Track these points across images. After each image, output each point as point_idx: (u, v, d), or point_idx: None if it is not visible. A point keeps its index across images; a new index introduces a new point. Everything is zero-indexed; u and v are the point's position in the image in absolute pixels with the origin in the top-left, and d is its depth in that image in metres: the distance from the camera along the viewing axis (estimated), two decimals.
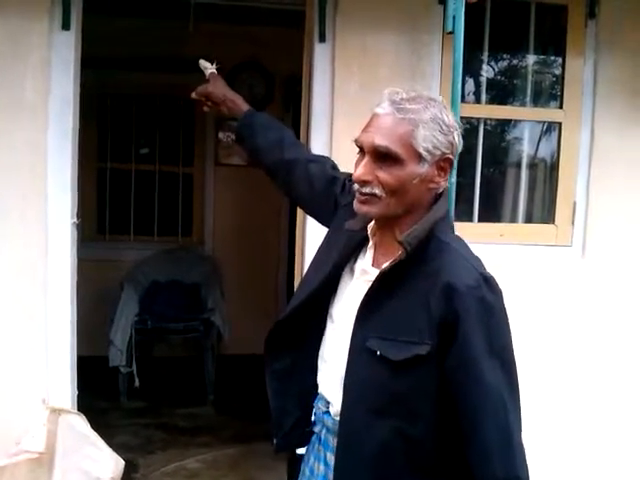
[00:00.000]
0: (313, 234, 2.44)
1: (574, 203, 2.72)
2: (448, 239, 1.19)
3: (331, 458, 1.26)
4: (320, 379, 1.33)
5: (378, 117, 1.17)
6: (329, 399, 1.29)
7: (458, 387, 1.13)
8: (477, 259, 1.20)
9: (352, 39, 2.47)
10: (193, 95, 1.71)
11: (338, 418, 1.23)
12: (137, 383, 3.91)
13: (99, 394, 3.86)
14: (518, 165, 2.89)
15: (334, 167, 1.55)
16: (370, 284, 1.19)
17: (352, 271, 1.29)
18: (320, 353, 1.33)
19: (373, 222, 1.25)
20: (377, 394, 1.17)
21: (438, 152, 1.15)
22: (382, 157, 1.15)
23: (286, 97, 4.78)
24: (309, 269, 1.41)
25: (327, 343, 1.31)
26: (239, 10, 4.07)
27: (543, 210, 2.87)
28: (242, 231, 4.82)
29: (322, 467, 1.31)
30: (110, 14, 4.00)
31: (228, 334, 4.28)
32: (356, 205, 1.20)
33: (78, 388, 2.52)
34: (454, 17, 1.57)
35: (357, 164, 1.20)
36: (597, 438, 2.73)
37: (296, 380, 1.38)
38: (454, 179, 1.66)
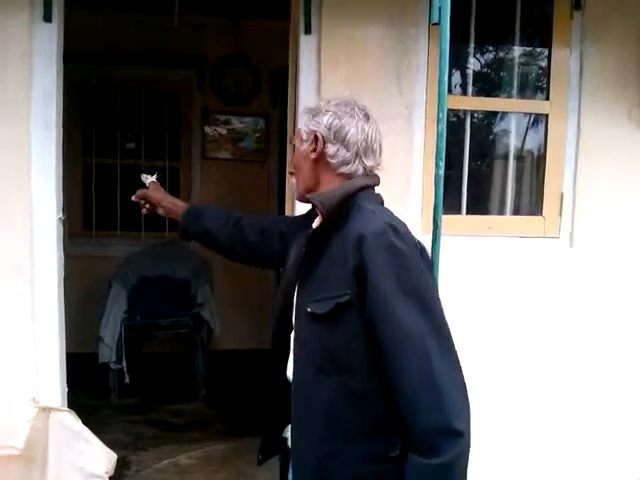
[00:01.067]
0: None
1: (561, 195, 2.73)
2: (368, 205, 1.32)
3: None
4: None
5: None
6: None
7: (378, 333, 1.19)
8: (392, 217, 1.31)
9: (338, 31, 2.46)
10: (133, 198, 1.88)
11: None
12: (127, 380, 3.89)
13: (89, 391, 3.83)
14: (505, 157, 2.90)
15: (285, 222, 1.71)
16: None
17: None
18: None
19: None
20: (318, 352, 1.27)
21: (308, 130, 1.39)
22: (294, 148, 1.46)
23: (273, 91, 4.76)
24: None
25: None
26: (225, 3, 4.06)
27: (531, 202, 2.88)
28: None
29: None
30: (95, 7, 3.96)
31: (218, 329, 4.27)
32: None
33: (68, 385, 2.50)
34: (440, 8, 1.56)
35: None
36: (586, 428, 2.76)
37: None
38: (442, 171, 1.65)
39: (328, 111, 1.37)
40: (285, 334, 1.40)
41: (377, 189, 1.43)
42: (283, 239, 1.61)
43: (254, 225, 1.67)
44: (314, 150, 1.38)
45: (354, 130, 1.35)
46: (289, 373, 1.39)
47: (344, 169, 1.36)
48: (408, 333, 1.16)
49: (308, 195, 1.37)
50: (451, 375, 1.17)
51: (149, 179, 1.90)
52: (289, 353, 1.40)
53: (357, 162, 1.36)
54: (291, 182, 1.48)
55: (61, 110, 2.33)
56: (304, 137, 1.41)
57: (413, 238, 1.28)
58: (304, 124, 1.42)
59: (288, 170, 1.50)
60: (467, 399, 1.19)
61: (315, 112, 1.40)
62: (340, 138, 1.35)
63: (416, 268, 1.22)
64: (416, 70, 2.53)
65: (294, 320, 1.35)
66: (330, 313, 1.23)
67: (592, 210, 2.72)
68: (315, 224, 1.39)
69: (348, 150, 1.35)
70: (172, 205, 1.80)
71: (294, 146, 1.46)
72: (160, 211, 1.81)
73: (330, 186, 1.36)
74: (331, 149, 1.35)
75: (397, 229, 1.24)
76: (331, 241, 1.29)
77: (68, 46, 2.41)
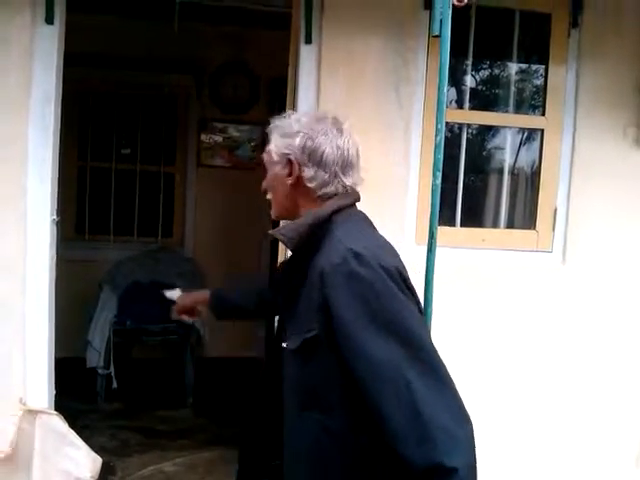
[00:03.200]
0: None
1: (555, 209, 2.75)
2: (338, 231, 1.24)
3: None
4: None
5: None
6: None
7: (351, 369, 1.14)
8: (360, 239, 1.22)
9: (338, 42, 2.48)
10: (174, 317, 1.95)
11: None
12: (115, 385, 3.86)
13: (76, 396, 3.79)
14: (500, 171, 2.92)
15: None
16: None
17: None
18: None
19: None
20: (297, 389, 1.25)
21: (280, 152, 1.31)
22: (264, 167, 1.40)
23: (271, 100, 4.77)
24: None
25: None
26: (225, 11, 4.07)
27: (524, 216, 2.90)
28: (223, 232, 4.80)
29: None
30: (95, 12, 3.96)
31: (207, 336, 4.25)
32: None
33: (55, 389, 2.48)
34: (441, 21, 1.58)
35: None
36: (578, 439, 2.76)
37: None
38: (439, 181, 1.66)
39: (299, 132, 1.28)
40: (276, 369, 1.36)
41: (364, 203, 1.37)
42: None
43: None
44: (289, 175, 1.30)
45: (329, 149, 1.27)
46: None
47: (324, 190, 1.28)
48: (381, 365, 1.08)
49: (270, 232, 1.30)
50: (439, 401, 1.07)
51: (175, 294, 1.93)
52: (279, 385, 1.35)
53: (336, 182, 1.28)
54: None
55: (59, 112, 2.33)
56: (275, 158, 1.32)
57: (383, 260, 1.16)
58: (273, 143, 1.33)
59: (263, 187, 1.39)
60: (463, 420, 1.09)
61: (284, 132, 1.31)
62: (316, 160, 1.27)
63: (383, 293, 1.13)
64: (414, 82, 2.55)
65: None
66: (300, 348, 1.20)
67: (585, 225, 2.74)
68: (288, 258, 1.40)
69: (325, 171, 1.27)
70: (203, 298, 1.83)
71: (263, 163, 1.39)
72: (202, 310, 1.87)
73: (310, 208, 1.29)
74: (307, 172, 1.27)
75: (360, 254, 1.15)
76: (303, 275, 1.24)
77: (66, 49, 2.41)
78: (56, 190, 2.37)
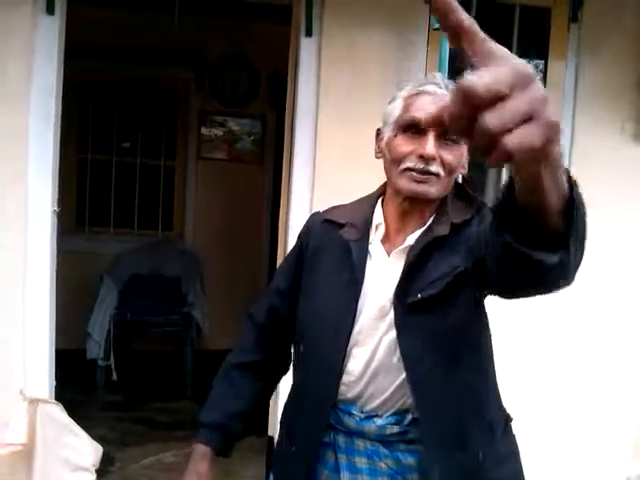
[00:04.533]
0: (295, 229, 2.44)
1: None
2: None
3: (362, 461, 1.20)
4: (359, 392, 1.22)
5: (436, 96, 1.13)
6: (373, 404, 1.21)
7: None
8: None
9: (339, 35, 2.48)
10: None
11: (383, 417, 1.19)
12: (115, 376, 3.88)
13: (76, 387, 3.81)
14: (499, 167, 2.92)
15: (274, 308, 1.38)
16: (403, 261, 1.18)
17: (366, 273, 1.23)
18: (350, 370, 1.21)
19: (379, 216, 1.24)
20: (441, 343, 1.15)
21: None
22: (444, 135, 1.13)
23: (271, 93, 4.78)
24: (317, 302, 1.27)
25: (355, 337, 1.20)
26: (225, 4, 4.07)
27: None
28: (223, 225, 4.81)
29: (347, 474, 1.21)
30: (95, 3, 3.96)
31: (207, 329, 4.27)
32: (411, 185, 1.15)
33: (55, 381, 2.49)
34: None
35: (402, 144, 1.16)
36: (574, 435, 2.78)
37: None
38: None
39: None
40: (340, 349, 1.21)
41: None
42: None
43: (268, 344, 1.39)
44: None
45: None
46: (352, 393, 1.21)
47: None
48: None
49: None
50: None
51: None
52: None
53: None
54: (431, 184, 1.15)
55: (60, 104, 2.34)
56: None
57: None
58: None
59: (432, 153, 1.13)
60: None
61: None
62: None
63: None
64: (415, 75, 2.56)
65: (394, 325, 1.17)
66: (448, 287, 1.13)
67: None
68: (437, 231, 1.17)
69: None
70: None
71: (450, 140, 1.14)
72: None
73: None
74: None
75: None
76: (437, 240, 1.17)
77: (67, 41, 2.42)
78: (57, 181, 2.38)
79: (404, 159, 1.15)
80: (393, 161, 1.17)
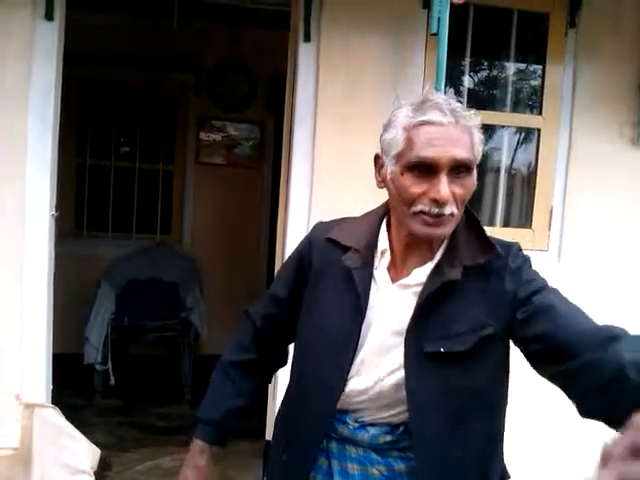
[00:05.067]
0: (294, 234, 2.45)
1: (551, 208, 2.77)
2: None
3: (354, 468, 1.20)
4: (358, 404, 1.21)
5: (442, 127, 1.06)
6: (380, 420, 1.20)
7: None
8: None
9: (337, 40, 2.49)
10: None
11: (381, 431, 1.18)
12: (112, 381, 3.88)
13: (74, 392, 3.81)
14: (497, 171, 2.94)
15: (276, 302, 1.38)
16: (407, 299, 1.15)
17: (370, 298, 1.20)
18: (351, 385, 1.19)
19: (384, 242, 1.20)
20: (453, 399, 1.12)
21: (479, 153, 1.12)
22: (457, 170, 1.07)
23: (269, 98, 4.79)
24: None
25: (357, 367, 1.18)
26: (224, 9, 4.08)
27: (521, 215, 2.92)
28: (222, 230, 4.81)
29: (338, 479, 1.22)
30: (94, 10, 3.98)
31: (206, 334, 4.26)
32: (426, 230, 1.09)
33: (53, 385, 2.49)
34: (439, 19, 1.59)
35: (411, 184, 1.09)
36: (571, 437, 2.77)
37: None
38: None
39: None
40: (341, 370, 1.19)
41: (377, 203, 1.28)
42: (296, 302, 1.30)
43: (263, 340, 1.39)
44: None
45: None
46: (352, 403, 1.20)
47: None
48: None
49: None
50: None
51: None
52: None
53: None
54: (446, 225, 1.10)
55: (59, 107, 2.35)
56: (476, 161, 1.11)
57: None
58: (478, 142, 1.09)
59: (447, 196, 1.07)
60: None
61: (478, 128, 1.11)
62: None
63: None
64: (413, 80, 2.57)
65: (403, 367, 1.14)
66: (473, 348, 1.10)
67: (581, 224, 2.76)
68: (420, 274, 1.14)
69: None
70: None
71: (460, 165, 1.07)
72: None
73: None
74: None
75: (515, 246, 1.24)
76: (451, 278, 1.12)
77: (66, 46, 2.43)
78: (55, 185, 2.38)
79: (415, 202, 1.08)
80: (403, 202, 1.10)
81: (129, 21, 4.29)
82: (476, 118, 1.09)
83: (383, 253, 1.19)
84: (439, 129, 1.05)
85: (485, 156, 3.09)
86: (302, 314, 1.28)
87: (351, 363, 1.18)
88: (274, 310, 1.36)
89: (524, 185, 2.97)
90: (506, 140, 2.90)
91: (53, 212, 2.34)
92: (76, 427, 2.43)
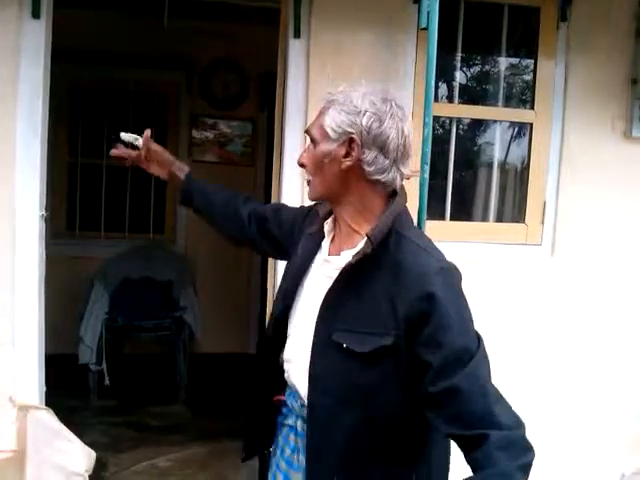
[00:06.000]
0: None
1: (544, 203, 2.76)
2: (408, 233, 1.23)
3: None
4: (289, 376, 1.34)
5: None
6: (300, 393, 1.29)
7: (438, 369, 1.11)
8: (436, 250, 1.24)
9: (327, 36, 2.48)
10: (113, 153, 1.70)
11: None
12: (107, 381, 3.86)
13: (69, 392, 3.79)
14: (490, 166, 2.93)
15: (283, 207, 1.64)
16: (331, 278, 1.23)
17: (312, 266, 1.34)
18: (285, 355, 1.34)
19: (331, 218, 1.32)
20: (343, 386, 1.19)
21: (340, 130, 1.19)
22: (311, 141, 1.25)
23: (261, 95, 4.77)
24: (279, 290, 1.42)
25: (290, 342, 1.33)
26: (214, 6, 4.06)
27: (514, 209, 2.92)
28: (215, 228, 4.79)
29: (302, 457, 1.30)
30: (85, 7, 3.95)
31: (200, 332, 4.25)
32: None
33: (47, 386, 2.47)
34: (428, 13, 1.58)
35: None
36: (567, 430, 2.78)
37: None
38: (427, 175, 1.67)
39: (367, 111, 1.17)
40: (280, 338, 1.35)
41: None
42: (282, 228, 1.50)
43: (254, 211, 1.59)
44: (347, 155, 1.19)
45: (394, 134, 1.18)
46: (288, 377, 1.34)
47: (380, 176, 1.20)
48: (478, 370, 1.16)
49: (368, 233, 1.17)
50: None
51: (139, 140, 1.67)
52: (280, 351, 1.35)
53: (394, 170, 1.20)
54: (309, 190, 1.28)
55: (47, 107, 2.32)
56: (332, 135, 1.19)
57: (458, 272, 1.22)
58: (331, 118, 1.19)
59: (300, 161, 1.28)
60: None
61: (348, 108, 1.18)
62: (379, 144, 1.17)
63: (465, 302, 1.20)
64: (403, 76, 2.55)
65: (310, 344, 1.23)
66: (370, 353, 1.15)
67: (574, 218, 2.76)
68: (347, 256, 1.21)
69: (386, 157, 1.18)
70: (174, 163, 1.68)
71: (310, 137, 1.25)
72: (157, 170, 1.68)
73: (361, 193, 1.22)
74: (369, 156, 1.18)
75: (453, 266, 1.19)
76: (370, 270, 1.18)
77: (56, 45, 2.40)
78: (45, 185, 2.36)
79: None
80: None
81: (120, 19, 4.26)
82: (344, 96, 1.21)
83: (327, 224, 1.32)
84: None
85: (478, 151, 3.09)
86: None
87: (285, 333, 1.33)
88: (268, 213, 1.55)
89: (517, 180, 2.97)
90: (499, 135, 2.89)
91: (43, 212, 2.32)
92: (72, 428, 2.42)
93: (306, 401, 1.25)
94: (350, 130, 1.18)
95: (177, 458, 3.27)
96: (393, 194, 1.24)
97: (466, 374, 1.11)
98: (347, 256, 1.21)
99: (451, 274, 1.18)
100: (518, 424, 1.12)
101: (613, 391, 2.83)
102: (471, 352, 1.13)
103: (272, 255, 1.77)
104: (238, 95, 4.84)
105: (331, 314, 1.21)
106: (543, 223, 2.77)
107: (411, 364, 1.15)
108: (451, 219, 2.76)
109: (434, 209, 2.73)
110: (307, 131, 1.27)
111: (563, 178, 2.74)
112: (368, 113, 1.17)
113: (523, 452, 1.09)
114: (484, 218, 2.88)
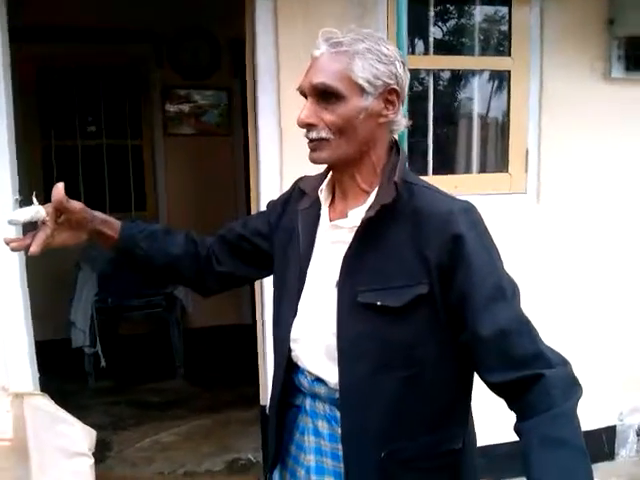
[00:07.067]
0: (267, 198, 2.40)
1: (526, 151, 2.74)
2: (416, 181, 1.17)
3: (323, 426, 1.20)
4: (297, 355, 1.22)
5: (315, 59, 1.11)
6: (316, 371, 1.19)
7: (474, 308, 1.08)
8: (448, 194, 1.17)
9: None
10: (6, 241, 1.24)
11: (334, 384, 1.16)
12: (103, 363, 3.85)
13: (66, 377, 3.80)
14: (470, 118, 2.89)
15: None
16: (344, 242, 1.14)
17: (316, 239, 1.23)
18: (292, 334, 1.21)
19: (326, 181, 1.22)
20: (380, 349, 1.11)
21: (380, 82, 1.08)
22: (324, 96, 1.09)
23: (234, 63, 4.66)
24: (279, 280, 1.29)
25: (299, 319, 1.21)
26: None
27: (497, 159, 2.90)
28: (197, 201, 4.75)
29: (312, 438, 1.22)
30: None
31: (192, 307, 4.24)
32: (309, 155, 1.14)
33: (44, 372, 2.45)
34: None
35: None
36: None
37: None
38: (404, 131, 1.64)
39: (396, 58, 1.09)
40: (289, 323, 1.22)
41: None
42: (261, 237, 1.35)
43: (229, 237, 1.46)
44: (391, 108, 1.11)
45: (406, 78, 1.13)
46: (299, 357, 1.22)
47: (396, 127, 1.15)
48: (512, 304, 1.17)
49: (397, 179, 1.09)
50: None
51: (40, 212, 1.16)
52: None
53: (401, 116, 1.14)
54: (306, 136, 1.14)
55: (10, 86, 2.23)
56: (368, 89, 1.08)
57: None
58: (363, 69, 1.07)
59: (306, 120, 1.11)
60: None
61: (379, 55, 1.08)
62: (405, 92, 1.14)
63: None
64: (375, 30, 2.49)
65: (335, 314, 1.14)
66: (408, 305, 1.08)
67: (558, 164, 2.75)
68: (365, 211, 1.12)
69: (402, 104, 1.13)
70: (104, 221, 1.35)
71: (330, 92, 1.09)
72: (70, 238, 1.26)
73: (383, 148, 1.14)
74: (400, 107, 1.13)
75: (472, 206, 1.14)
76: (386, 222, 1.11)
77: (19, 24, 2.31)
78: (16, 168, 2.30)
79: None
80: None
81: None
82: (360, 43, 1.08)
83: (322, 192, 1.22)
84: (313, 62, 1.12)
85: (458, 104, 3.05)
86: (275, 266, 1.31)
87: (295, 310, 1.21)
88: (237, 231, 1.42)
89: (498, 130, 2.94)
90: (478, 86, 2.84)
91: (17, 196, 2.27)
92: (72, 411, 2.40)
93: (332, 376, 1.15)
94: (389, 81, 1.09)
95: (180, 432, 3.30)
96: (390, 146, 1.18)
97: (509, 312, 1.09)
98: (357, 214, 1.13)
99: (473, 212, 1.13)
100: (565, 361, 1.12)
101: (605, 332, 2.87)
102: (508, 289, 1.12)
103: (256, 275, 1.48)
104: (209, 64, 4.73)
105: (353, 277, 1.12)
106: (527, 171, 2.75)
107: (449, 311, 1.09)
108: (433, 173, 2.73)
109: (415, 164, 2.71)
110: (318, 84, 1.09)
111: (544, 124, 2.71)
112: (398, 60, 1.10)
113: (576, 388, 1.11)
114: (467, 170, 2.86)
